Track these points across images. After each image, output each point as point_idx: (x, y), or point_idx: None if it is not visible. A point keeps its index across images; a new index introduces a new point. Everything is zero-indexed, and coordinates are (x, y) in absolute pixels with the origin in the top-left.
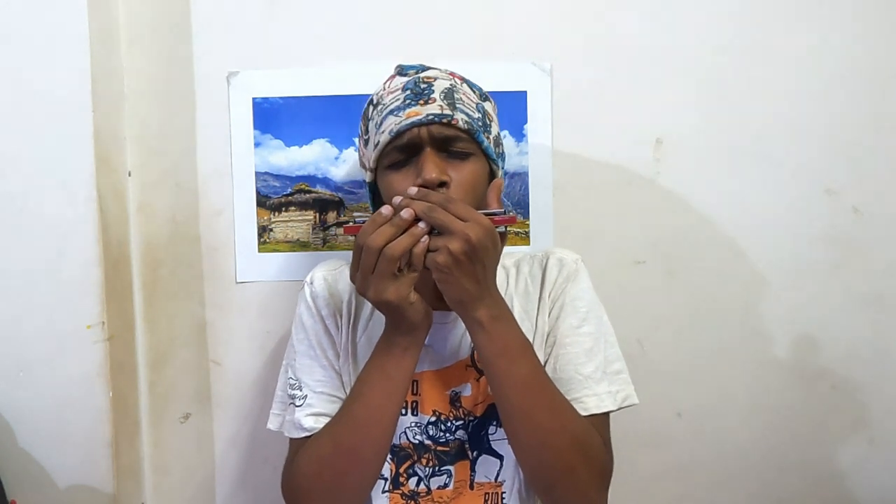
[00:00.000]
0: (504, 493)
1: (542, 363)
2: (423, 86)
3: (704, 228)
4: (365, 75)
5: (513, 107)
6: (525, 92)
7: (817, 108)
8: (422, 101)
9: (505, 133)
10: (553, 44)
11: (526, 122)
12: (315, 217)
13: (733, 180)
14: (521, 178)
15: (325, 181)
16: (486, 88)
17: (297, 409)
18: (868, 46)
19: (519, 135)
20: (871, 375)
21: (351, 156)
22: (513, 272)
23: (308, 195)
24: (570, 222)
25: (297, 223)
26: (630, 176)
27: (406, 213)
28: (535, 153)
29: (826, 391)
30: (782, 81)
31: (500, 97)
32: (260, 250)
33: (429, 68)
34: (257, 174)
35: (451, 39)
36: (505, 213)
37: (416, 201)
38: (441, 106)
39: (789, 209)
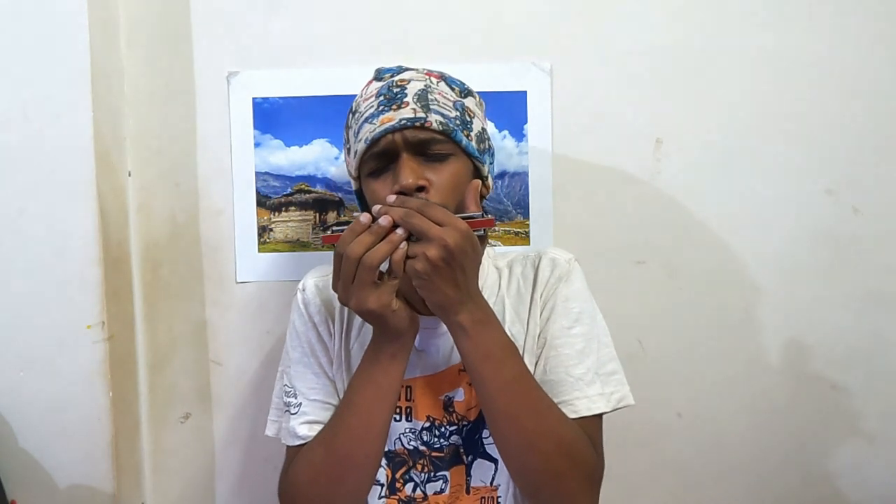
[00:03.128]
0: (499, 496)
1: (534, 365)
2: (395, 90)
3: (704, 228)
4: (365, 75)
5: (513, 107)
6: (525, 92)
7: (817, 108)
8: (395, 106)
9: (505, 133)
10: (553, 44)
11: (526, 122)
12: (315, 217)
13: (733, 180)
14: (520, 178)
15: (325, 181)
16: (486, 88)
17: (291, 416)
18: (867, 47)
19: (519, 135)
20: (871, 375)
21: None
22: (505, 273)
23: (308, 195)
24: (569, 222)
25: (297, 223)
26: (630, 176)
27: (384, 221)
28: (534, 153)
29: (826, 391)
30: (782, 82)
31: (500, 97)
32: (260, 250)
33: (406, 69)
34: (257, 174)
35: (451, 39)
36: (482, 215)
37: (393, 208)
38: (414, 109)
39: (789, 209)
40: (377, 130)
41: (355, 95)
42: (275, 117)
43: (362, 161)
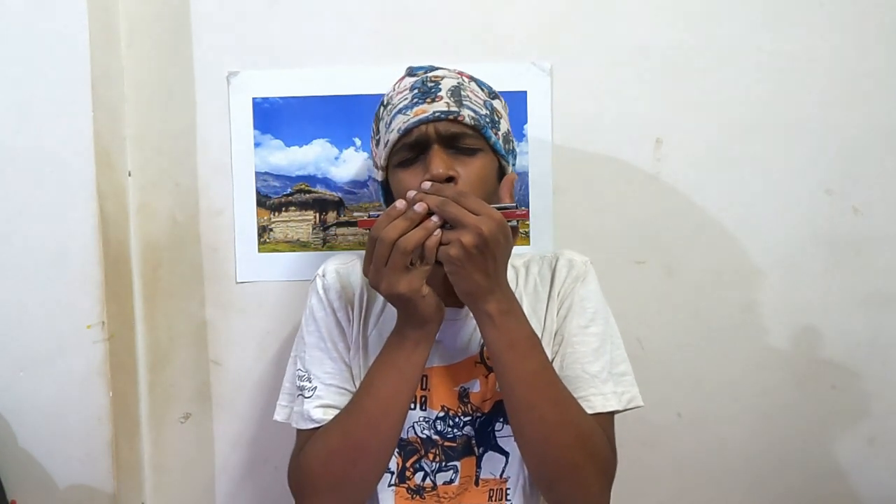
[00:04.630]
0: (509, 489)
1: (550, 361)
2: (430, 84)
3: (704, 228)
4: (365, 75)
5: (513, 107)
6: (525, 92)
7: (817, 108)
8: (429, 100)
9: None
10: (553, 44)
11: (526, 122)
12: (315, 217)
13: (733, 180)
14: (521, 178)
15: (325, 181)
16: None
17: (305, 400)
18: (868, 47)
19: (519, 135)
20: (871, 375)
21: (351, 156)
22: (522, 272)
23: (308, 195)
24: (570, 222)
25: (297, 223)
26: (630, 176)
27: (419, 207)
28: (535, 153)
29: (826, 391)
30: (782, 82)
31: None
32: (260, 250)
33: (437, 69)
34: (257, 174)
35: (451, 40)
36: (517, 207)
37: (429, 195)
38: (448, 103)
39: (789, 209)
40: (411, 121)
41: (356, 95)
42: (275, 117)
43: (393, 151)
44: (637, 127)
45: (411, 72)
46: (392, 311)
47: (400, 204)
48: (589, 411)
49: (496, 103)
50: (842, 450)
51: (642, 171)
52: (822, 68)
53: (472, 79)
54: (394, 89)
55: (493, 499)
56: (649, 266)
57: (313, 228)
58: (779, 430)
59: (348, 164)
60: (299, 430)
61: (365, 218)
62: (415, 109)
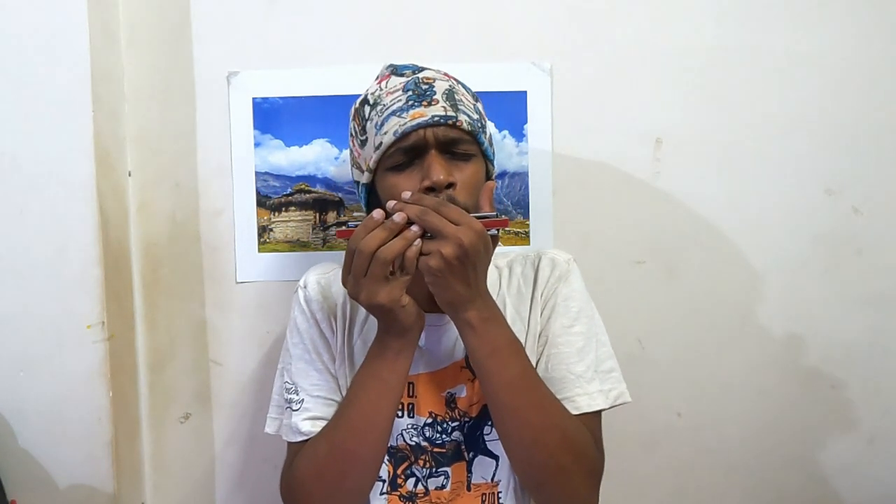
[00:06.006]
0: (500, 492)
1: (535, 363)
2: (424, 87)
3: (704, 228)
4: (365, 75)
5: (513, 107)
6: (525, 92)
7: (817, 108)
8: (425, 103)
9: (505, 133)
10: (553, 44)
11: (526, 122)
12: (315, 217)
13: (733, 180)
14: (520, 178)
15: (325, 181)
16: (485, 88)
17: (294, 413)
18: (867, 47)
19: (519, 135)
20: (871, 375)
21: None
22: (505, 273)
23: (308, 195)
24: (569, 222)
25: (297, 223)
26: (630, 176)
27: (398, 217)
28: (534, 153)
29: (825, 391)
30: (782, 81)
31: (500, 97)
32: (260, 250)
33: (423, 69)
34: (257, 174)
35: (451, 39)
36: (497, 215)
37: (409, 205)
38: (444, 107)
39: (789, 209)
40: (408, 124)
41: (355, 95)
42: (275, 117)
43: (385, 154)
44: (637, 127)
45: (397, 70)
46: (375, 320)
47: (377, 214)
48: (574, 412)
49: (479, 106)
50: (842, 450)
51: (642, 171)
52: (822, 68)
53: (458, 81)
54: (380, 88)
55: (486, 502)
56: (649, 266)
57: (313, 228)
58: (779, 430)
59: (348, 164)
60: (290, 443)
61: (342, 228)
62: (411, 112)
